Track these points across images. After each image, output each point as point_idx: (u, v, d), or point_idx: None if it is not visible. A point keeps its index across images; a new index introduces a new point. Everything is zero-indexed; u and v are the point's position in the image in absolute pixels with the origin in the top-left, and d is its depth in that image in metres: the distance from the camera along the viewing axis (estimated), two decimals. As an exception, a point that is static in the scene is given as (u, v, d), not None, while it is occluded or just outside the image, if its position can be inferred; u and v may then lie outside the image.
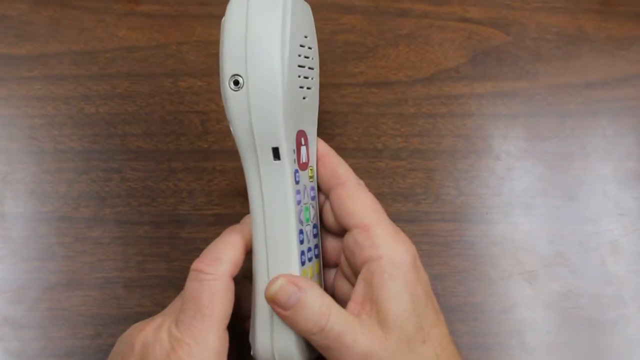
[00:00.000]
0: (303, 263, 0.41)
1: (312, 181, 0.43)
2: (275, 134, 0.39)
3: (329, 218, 0.44)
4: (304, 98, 0.41)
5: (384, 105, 0.55)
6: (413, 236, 0.51)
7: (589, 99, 0.57)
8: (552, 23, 0.59)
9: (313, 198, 0.43)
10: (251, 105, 0.38)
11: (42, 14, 0.56)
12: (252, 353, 0.41)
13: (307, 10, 0.42)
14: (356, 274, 0.41)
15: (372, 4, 0.58)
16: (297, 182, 0.40)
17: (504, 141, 0.55)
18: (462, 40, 0.57)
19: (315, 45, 0.43)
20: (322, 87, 0.54)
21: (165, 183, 0.52)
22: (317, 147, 0.44)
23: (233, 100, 0.39)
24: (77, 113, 0.53)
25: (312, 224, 0.43)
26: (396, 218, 0.51)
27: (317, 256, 0.44)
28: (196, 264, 0.39)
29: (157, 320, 0.39)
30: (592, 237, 0.53)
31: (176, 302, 0.41)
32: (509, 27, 0.58)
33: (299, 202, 0.41)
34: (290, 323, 0.39)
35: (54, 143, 0.52)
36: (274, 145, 0.39)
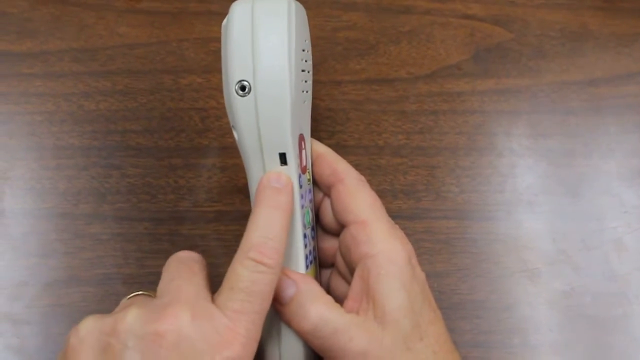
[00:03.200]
0: (307, 266, 0.41)
1: (309, 184, 0.43)
2: (284, 140, 0.39)
3: (327, 216, 0.43)
4: (304, 102, 0.41)
5: (385, 102, 0.55)
6: (414, 233, 0.51)
7: (593, 96, 0.56)
8: (556, 20, 0.58)
9: (311, 201, 0.43)
10: (259, 111, 0.38)
11: (42, 11, 0.56)
12: None
13: (303, 13, 0.42)
14: (352, 271, 0.41)
15: (374, 1, 0.58)
16: (300, 187, 0.40)
17: (506, 138, 0.54)
18: (464, 37, 0.57)
19: (310, 48, 0.43)
20: (324, 84, 0.55)
21: (165, 180, 0.52)
22: (312, 147, 0.44)
23: (239, 106, 0.38)
24: (77, 110, 0.53)
25: (311, 227, 0.43)
26: (397, 215, 0.52)
27: (315, 258, 0.44)
28: (254, 254, 0.36)
29: (177, 309, 0.34)
30: (596, 234, 0.53)
31: (182, 289, 0.36)
32: (511, 24, 0.58)
33: (302, 206, 0.41)
34: (286, 320, 0.39)
35: (54, 139, 0.52)
36: (282, 151, 0.39)
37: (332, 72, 0.55)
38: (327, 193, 0.43)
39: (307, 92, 0.42)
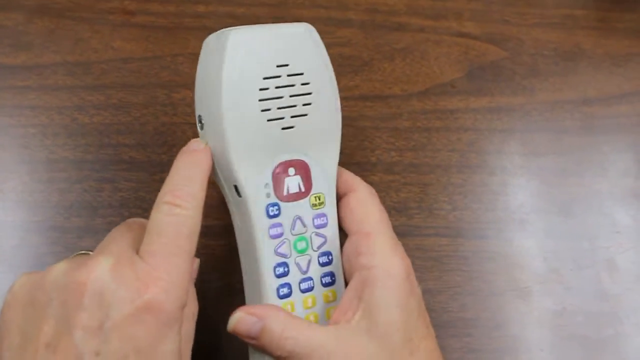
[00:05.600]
0: (287, 295, 0.41)
1: (319, 208, 0.42)
2: (232, 173, 0.40)
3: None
4: (288, 127, 0.40)
5: (378, 119, 0.55)
6: (406, 250, 0.51)
7: (586, 116, 0.56)
8: (550, 39, 0.59)
9: (321, 226, 0.43)
10: (210, 145, 0.40)
11: (37, 24, 0.56)
12: None
13: (288, 38, 0.41)
14: (348, 281, 0.41)
15: (369, 18, 0.58)
16: (274, 216, 0.41)
17: (499, 156, 0.54)
18: (458, 55, 0.57)
19: (309, 69, 0.41)
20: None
21: (157, 194, 0.51)
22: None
23: (201, 138, 0.41)
24: (71, 123, 0.53)
25: (316, 253, 0.42)
26: (389, 232, 0.51)
27: (327, 285, 0.43)
28: (169, 197, 0.36)
29: (99, 259, 0.34)
30: (588, 254, 0.53)
31: (114, 242, 0.36)
32: (505, 42, 0.58)
33: (278, 236, 0.41)
34: (261, 351, 0.39)
35: (47, 152, 0.52)
36: (234, 183, 0.40)
37: (325, 89, 0.55)
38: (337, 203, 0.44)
39: (294, 117, 0.41)
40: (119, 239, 0.36)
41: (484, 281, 0.51)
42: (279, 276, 0.41)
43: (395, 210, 0.52)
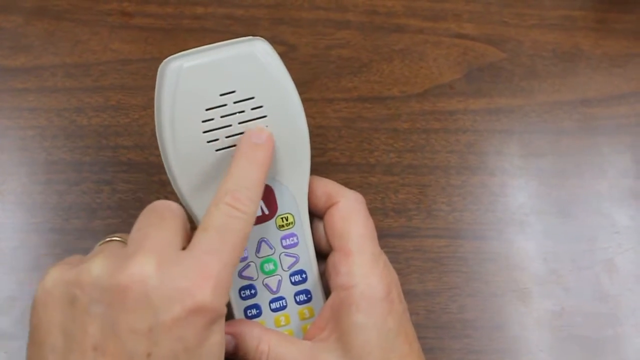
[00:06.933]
0: (256, 316, 0.42)
1: (288, 228, 0.42)
2: (186, 205, 0.40)
3: (321, 240, 0.43)
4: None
5: (377, 121, 0.55)
6: (405, 252, 0.51)
7: (585, 117, 0.56)
8: (548, 40, 0.59)
9: (290, 246, 0.43)
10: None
11: (36, 26, 0.56)
12: None
13: (234, 62, 0.39)
14: (328, 296, 0.41)
15: (367, 19, 0.58)
16: None
17: (498, 157, 0.54)
18: (457, 56, 0.57)
19: (261, 91, 0.39)
20: (316, 101, 0.55)
21: (156, 195, 0.52)
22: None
23: None
24: (70, 125, 0.53)
25: (287, 273, 0.43)
26: (388, 234, 0.51)
27: (302, 302, 0.43)
28: (230, 199, 0.36)
29: (141, 260, 0.33)
30: (587, 255, 0.52)
31: (150, 238, 0.35)
32: (504, 43, 0.58)
33: (242, 259, 0.41)
34: None
35: (46, 154, 0.52)
36: (189, 212, 0.40)
37: (324, 90, 0.55)
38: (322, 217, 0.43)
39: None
40: (154, 233, 0.35)
41: (484, 282, 0.51)
42: (244, 298, 0.42)
43: (394, 211, 0.52)
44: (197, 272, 0.33)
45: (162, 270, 0.33)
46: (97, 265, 0.34)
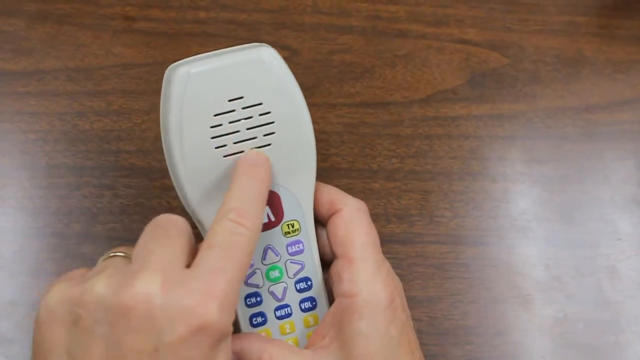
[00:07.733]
0: (261, 324, 0.42)
1: (294, 235, 0.42)
2: (193, 213, 0.40)
3: (324, 248, 0.43)
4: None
5: (379, 126, 0.55)
6: (407, 258, 0.51)
7: (588, 123, 0.56)
8: (551, 46, 0.59)
9: (297, 253, 0.42)
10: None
11: (38, 30, 0.56)
12: None
13: (241, 68, 0.39)
14: (331, 303, 0.41)
15: (370, 25, 0.58)
16: None
17: (500, 163, 0.54)
18: (459, 62, 0.57)
19: (269, 97, 0.39)
20: (318, 107, 0.55)
21: (157, 200, 0.52)
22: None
23: None
24: (71, 129, 0.53)
25: (292, 280, 0.42)
26: (390, 239, 0.51)
27: (307, 310, 0.43)
28: (234, 216, 0.35)
29: (145, 278, 0.32)
30: (589, 261, 0.52)
31: (155, 255, 0.34)
32: (507, 49, 0.58)
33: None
34: None
35: (47, 158, 0.52)
36: (197, 221, 0.40)
37: (326, 95, 0.55)
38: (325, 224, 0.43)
39: (255, 149, 0.40)
40: (159, 250, 0.35)
41: (486, 289, 0.51)
42: (250, 306, 0.42)
43: (396, 217, 0.52)
44: (202, 291, 0.33)
45: (167, 289, 0.32)
46: (101, 284, 0.33)
